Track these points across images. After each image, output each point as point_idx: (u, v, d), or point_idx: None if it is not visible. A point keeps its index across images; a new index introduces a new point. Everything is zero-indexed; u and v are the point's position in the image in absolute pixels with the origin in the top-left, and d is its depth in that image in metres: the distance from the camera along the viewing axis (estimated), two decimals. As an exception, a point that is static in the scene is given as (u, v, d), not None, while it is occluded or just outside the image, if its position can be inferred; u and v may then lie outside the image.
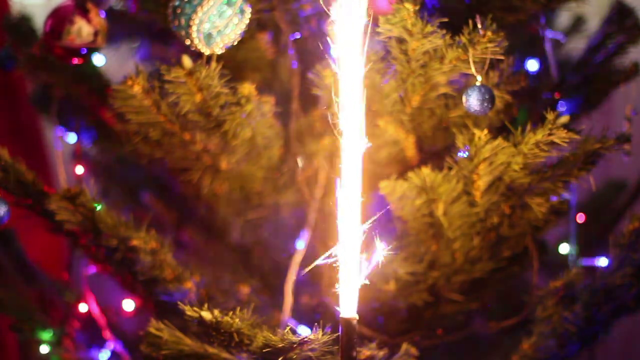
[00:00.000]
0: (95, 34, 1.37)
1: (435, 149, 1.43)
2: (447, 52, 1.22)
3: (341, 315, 0.97)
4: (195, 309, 1.09)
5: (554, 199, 1.35)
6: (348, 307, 0.97)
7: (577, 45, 1.78)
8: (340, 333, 0.98)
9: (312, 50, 1.47)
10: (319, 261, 0.97)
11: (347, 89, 0.94)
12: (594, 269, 1.55)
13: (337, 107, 0.95)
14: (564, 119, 1.21)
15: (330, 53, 0.97)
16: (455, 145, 1.28)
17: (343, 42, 0.93)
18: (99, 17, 1.38)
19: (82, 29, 1.36)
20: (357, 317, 0.97)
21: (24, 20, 1.61)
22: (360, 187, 0.96)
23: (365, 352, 1.22)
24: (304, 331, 1.43)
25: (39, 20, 1.48)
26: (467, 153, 1.26)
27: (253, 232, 1.62)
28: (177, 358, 1.24)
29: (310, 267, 1.03)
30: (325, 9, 0.94)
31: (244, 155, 1.44)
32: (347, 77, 0.94)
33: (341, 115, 0.95)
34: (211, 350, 1.24)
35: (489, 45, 1.20)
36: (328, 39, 0.96)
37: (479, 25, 1.19)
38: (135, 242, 1.34)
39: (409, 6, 1.16)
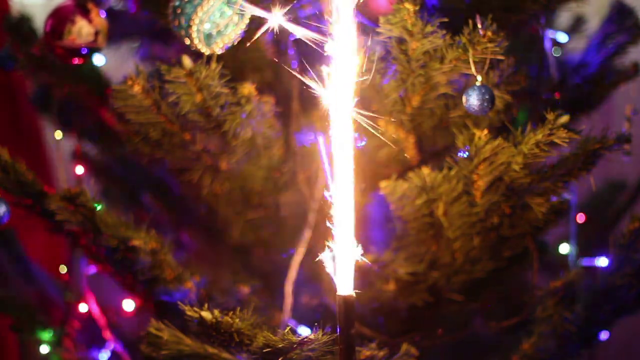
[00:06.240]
0: (96, 33, 1.37)
1: (435, 149, 1.43)
2: (447, 52, 1.22)
3: (338, 293, 0.97)
4: (195, 309, 1.09)
5: (554, 199, 1.35)
6: (345, 285, 0.97)
7: (577, 45, 1.77)
8: (337, 311, 0.97)
9: (312, 50, 1.47)
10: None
11: (340, 89, 0.94)
12: (594, 269, 1.55)
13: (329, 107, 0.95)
14: (564, 119, 1.21)
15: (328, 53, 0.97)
16: (455, 145, 1.28)
17: (338, 41, 0.93)
18: (99, 17, 1.38)
19: (83, 29, 1.36)
20: (354, 294, 0.97)
21: (24, 20, 1.61)
22: (352, 174, 0.96)
23: (365, 352, 1.21)
24: (304, 331, 1.43)
25: (39, 20, 1.48)
26: (467, 153, 1.26)
27: (253, 232, 1.62)
28: (177, 358, 1.24)
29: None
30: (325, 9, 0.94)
31: (244, 155, 1.44)
32: (341, 77, 0.93)
33: (333, 115, 0.95)
34: (211, 350, 1.24)
35: (489, 45, 1.20)
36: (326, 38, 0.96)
37: (479, 25, 1.19)
38: (135, 242, 1.34)
39: (409, 6, 1.16)
